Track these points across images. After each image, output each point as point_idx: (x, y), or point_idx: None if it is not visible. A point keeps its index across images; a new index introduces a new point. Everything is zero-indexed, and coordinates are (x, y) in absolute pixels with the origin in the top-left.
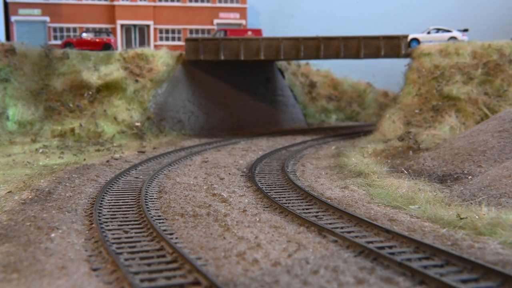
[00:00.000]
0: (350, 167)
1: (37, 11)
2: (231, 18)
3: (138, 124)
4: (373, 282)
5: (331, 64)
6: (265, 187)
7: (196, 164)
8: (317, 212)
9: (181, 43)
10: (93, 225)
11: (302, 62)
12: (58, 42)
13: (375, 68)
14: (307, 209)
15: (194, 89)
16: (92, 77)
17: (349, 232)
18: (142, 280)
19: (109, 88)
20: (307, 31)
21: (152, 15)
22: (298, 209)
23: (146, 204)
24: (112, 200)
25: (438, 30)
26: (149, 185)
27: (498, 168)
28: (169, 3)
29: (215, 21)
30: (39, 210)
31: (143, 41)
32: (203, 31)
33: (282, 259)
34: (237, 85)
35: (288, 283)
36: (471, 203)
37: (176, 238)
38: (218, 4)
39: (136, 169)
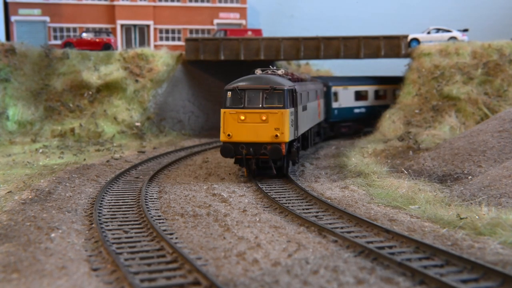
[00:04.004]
0: (350, 167)
1: (37, 11)
2: (231, 18)
3: (138, 124)
4: (373, 282)
5: (331, 64)
6: (265, 187)
7: (197, 164)
8: (317, 212)
9: (181, 43)
10: (93, 225)
11: (302, 62)
12: (58, 42)
13: (375, 68)
14: (307, 209)
15: (194, 89)
16: (92, 77)
17: (349, 232)
18: (142, 280)
19: (109, 88)
20: (307, 31)
21: (152, 15)
22: (298, 209)
23: (146, 204)
24: (112, 200)
25: (438, 30)
26: (149, 185)
27: (498, 168)
28: (169, 3)
29: (215, 21)
30: (39, 210)
31: (143, 41)
32: (203, 31)
33: (282, 259)
34: None
35: (288, 283)
36: (471, 203)
37: (176, 238)
38: (218, 4)
39: (136, 169)
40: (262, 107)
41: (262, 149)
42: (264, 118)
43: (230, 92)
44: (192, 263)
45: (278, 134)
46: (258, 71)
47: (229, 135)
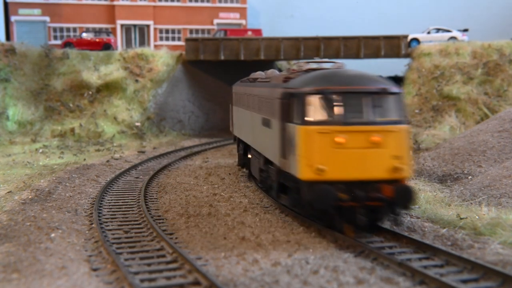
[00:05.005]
0: None
1: (37, 11)
2: (231, 18)
3: (138, 124)
4: (373, 282)
5: None
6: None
7: (197, 164)
8: None
9: (181, 43)
10: (93, 225)
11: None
12: (58, 42)
13: (375, 68)
14: None
15: (194, 89)
16: (92, 77)
17: None
18: (142, 280)
19: (109, 88)
20: (307, 31)
21: (152, 15)
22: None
23: (146, 204)
24: (112, 200)
25: (438, 30)
26: (149, 185)
27: (498, 168)
28: (169, 3)
29: (215, 21)
30: (39, 210)
31: (143, 41)
32: (203, 31)
33: (282, 259)
34: None
35: (288, 283)
36: (471, 203)
37: (176, 238)
38: (218, 4)
39: (136, 169)
40: (373, 123)
41: (373, 191)
42: (376, 139)
43: (312, 98)
44: (192, 263)
45: (401, 166)
46: (304, 65)
47: (320, 169)
